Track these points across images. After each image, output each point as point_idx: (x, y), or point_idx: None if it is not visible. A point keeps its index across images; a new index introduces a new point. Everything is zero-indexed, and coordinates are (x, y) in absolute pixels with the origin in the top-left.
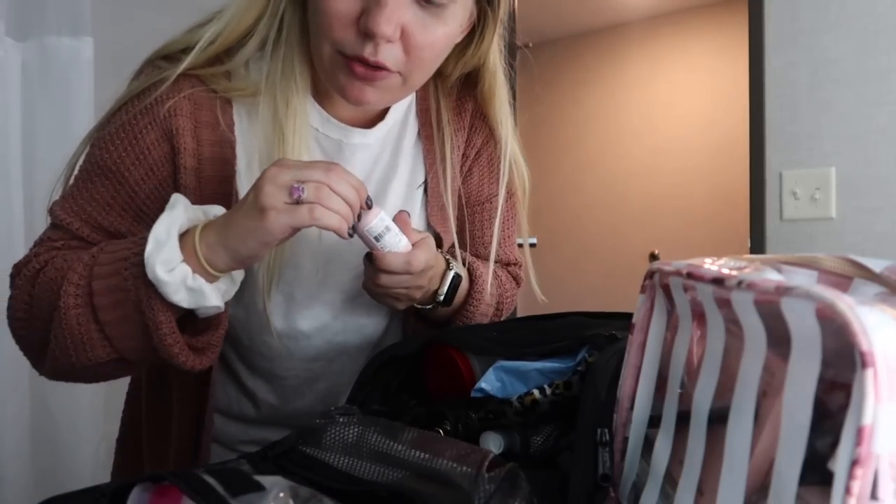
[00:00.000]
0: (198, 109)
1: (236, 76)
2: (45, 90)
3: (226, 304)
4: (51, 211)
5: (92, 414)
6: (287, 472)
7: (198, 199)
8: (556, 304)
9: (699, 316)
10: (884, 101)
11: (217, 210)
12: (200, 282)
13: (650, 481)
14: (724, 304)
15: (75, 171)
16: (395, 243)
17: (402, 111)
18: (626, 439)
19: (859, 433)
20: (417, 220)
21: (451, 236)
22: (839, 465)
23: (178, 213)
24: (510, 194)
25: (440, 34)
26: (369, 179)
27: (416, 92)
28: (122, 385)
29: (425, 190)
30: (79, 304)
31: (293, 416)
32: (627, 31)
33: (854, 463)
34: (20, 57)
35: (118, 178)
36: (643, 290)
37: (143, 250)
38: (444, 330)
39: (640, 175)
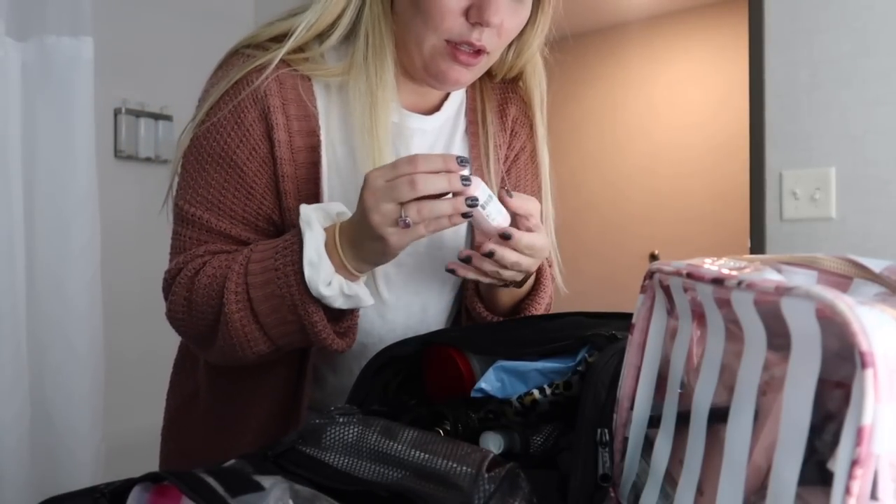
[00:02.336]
0: (283, 88)
1: (315, 61)
2: (45, 90)
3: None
4: (177, 207)
5: (92, 414)
6: (287, 472)
7: (291, 167)
8: (556, 303)
9: (699, 316)
10: (884, 101)
11: (337, 207)
12: (356, 288)
13: (650, 481)
14: (724, 304)
15: (178, 167)
16: (499, 211)
17: (455, 107)
18: (626, 439)
19: (859, 433)
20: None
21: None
22: (839, 465)
23: (318, 231)
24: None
25: (523, 17)
26: None
27: (466, 91)
28: (122, 385)
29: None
30: (240, 308)
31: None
32: (627, 31)
33: (854, 463)
34: (20, 57)
35: (229, 162)
36: (643, 290)
37: (291, 261)
38: (444, 330)
39: (639, 175)
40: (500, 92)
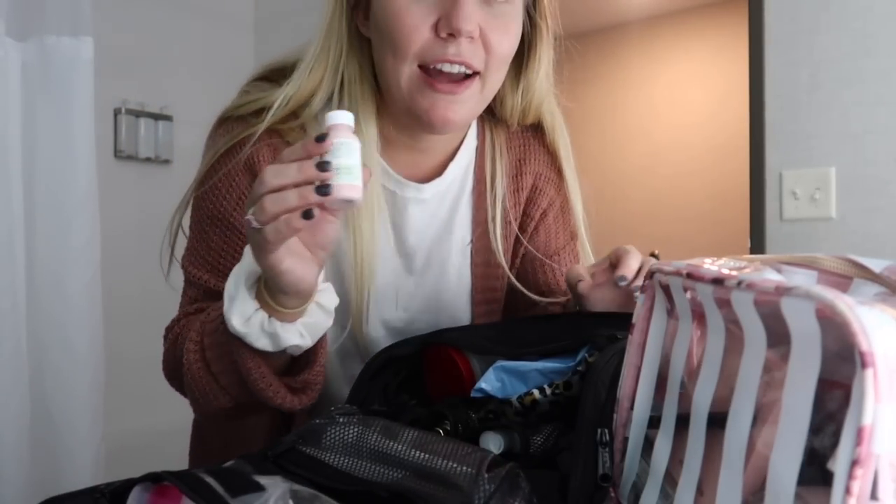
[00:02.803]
0: (277, 154)
1: (310, 128)
2: (45, 90)
3: (322, 340)
4: (183, 268)
5: (92, 414)
6: (287, 472)
7: None
8: None
9: (699, 316)
10: (884, 101)
11: None
12: (275, 325)
13: (650, 481)
14: (724, 305)
15: (177, 227)
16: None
17: (462, 167)
18: (626, 439)
19: (859, 433)
20: (464, 277)
21: (501, 293)
22: (839, 465)
23: (245, 264)
24: (573, 237)
25: (511, 33)
26: (425, 234)
27: (476, 146)
28: (122, 385)
29: (472, 248)
30: (197, 359)
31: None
32: (627, 31)
33: (854, 463)
34: (20, 57)
35: (226, 224)
36: (643, 290)
37: None
38: (443, 330)
39: (639, 175)
40: (519, 144)
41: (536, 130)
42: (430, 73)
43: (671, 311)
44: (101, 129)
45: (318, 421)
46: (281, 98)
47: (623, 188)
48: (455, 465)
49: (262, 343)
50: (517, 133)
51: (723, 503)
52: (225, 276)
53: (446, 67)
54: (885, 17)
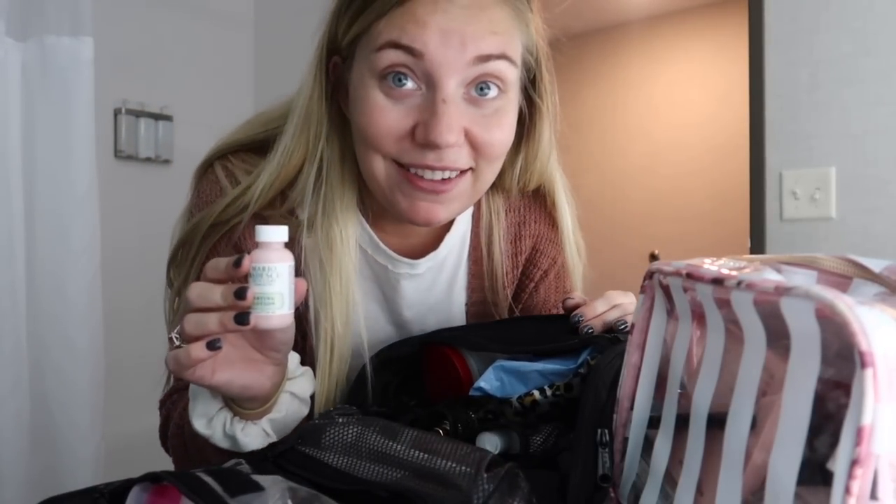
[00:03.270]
0: None
1: (299, 209)
2: (45, 90)
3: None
4: (169, 339)
5: (92, 414)
6: (286, 472)
7: None
8: None
9: (699, 316)
10: (884, 101)
11: None
12: (235, 428)
13: (650, 481)
14: (724, 305)
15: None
16: (282, 303)
17: (459, 237)
18: (625, 439)
19: (859, 433)
20: None
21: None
22: (839, 464)
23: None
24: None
25: (505, 125)
26: (422, 306)
27: (473, 214)
28: (122, 385)
29: (467, 310)
30: (180, 443)
31: None
32: (627, 31)
33: (854, 463)
34: (20, 57)
35: None
36: (643, 290)
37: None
38: (442, 330)
39: (639, 175)
40: (518, 206)
41: (537, 192)
42: (408, 167)
43: (671, 312)
44: (101, 129)
45: (317, 421)
46: (262, 188)
47: (623, 188)
48: (454, 465)
49: (225, 445)
50: (517, 196)
51: (723, 503)
52: None
53: (427, 174)
54: (885, 16)
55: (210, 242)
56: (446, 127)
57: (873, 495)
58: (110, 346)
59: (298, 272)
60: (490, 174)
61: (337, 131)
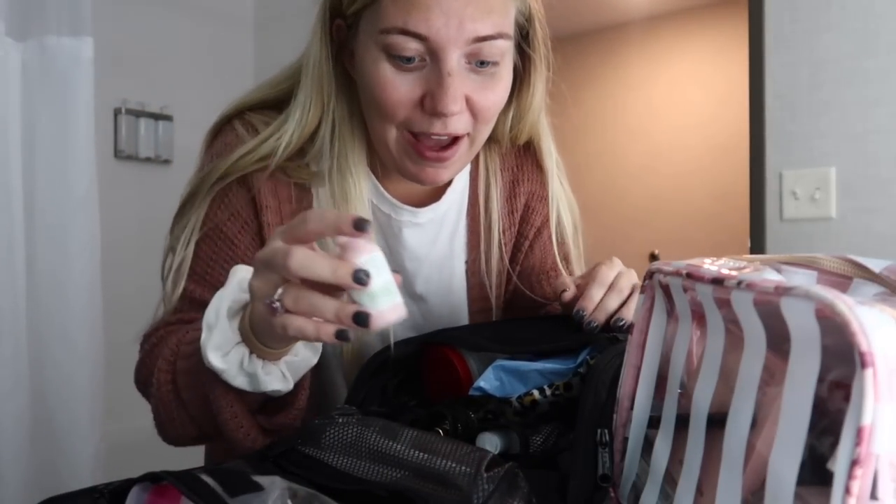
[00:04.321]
0: (280, 189)
1: (315, 164)
2: (45, 90)
3: (304, 380)
4: (164, 278)
5: (92, 414)
6: (286, 472)
7: None
8: None
9: (699, 316)
10: (884, 101)
11: None
12: (256, 365)
13: (650, 481)
14: (724, 305)
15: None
16: (392, 303)
17: (458, 192)
18: (625, 439)
19: (859, 433)
20: (460, 297)
21: (492, 314)
22: (839, 465)
23: (229, 291)
24: (567, 253)
25: (500, 90)
26: (427, 257)
27: (470, 171)
28: (122, 385)
29: (468, 269)
30: (167, 380)
31: None
32: (627, 31)
33: (854, 463)
34: (20, 57)
35: (218, 234)
36: (643, 290)
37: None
38: (442, 330)
39: (639, 175)
40: (512, 165)
41: (528, 149)
42: (416, 135)
43: (671, 312)
44: (101, 129)
45: (317, 421)
46: (285, 143)
47: (623, 188)
48: (454, 465)
49: (239, 382)
50: (510, 153)
51: (723, 503)
52: (211, 287)
53: (433, 139)
54: (885, 16)
55: (221, 185)
56: (452, 98)
57: (873, 495)
58: (110, 345)
59: None
60: (484, 134)
61: (344, 91)
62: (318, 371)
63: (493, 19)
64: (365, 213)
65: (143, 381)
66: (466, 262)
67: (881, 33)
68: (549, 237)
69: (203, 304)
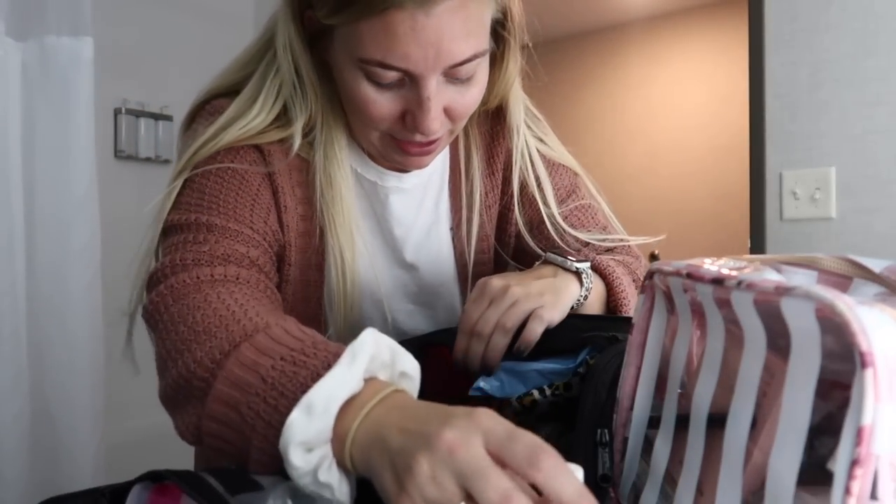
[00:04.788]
0: (284, 155)
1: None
2: (45, 90)
3: None
4: (167, 223)
5: (92, 415)
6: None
7: (292, 201)
8: None
9: (699, 316)
10: (884, 101)
11: (405, 365)
12: (334, 478)
13: (650, 481)
14: (724, 305)
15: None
16: None
17: (441, 158)
18: (625, 440)
19: (859, 433)
20: (448, 264)
21: (468, 281)
22: (839, 465)
23: (357, 372)
24: (570, 189)
25: (476, 92)
26: (414, 224)
27: (449, 145)
28: (122, 385)
29: (454, 234)
30: (209, 371)
31: None
32: (627, 31)
33: (854, 463)
34: (20, 57)
35: (230, 173)
36: (643, 290)
37: (286, 388)
38: (443, 330)
39: (639, 175)
40: (488, 129)
41: (501, 110)
42: (398, 139)
43: (671, 312)
44: (101, 129)
45: None
46: (300, 129)
47: (623, 188)
48: None
49: (306, 482)
50: (485, 117)
51: (723, 503)
52: (231, 215)
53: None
54: (885, 16)
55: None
56: (432, 120)
57: (873, 495)
58: (110, 345)
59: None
60: (461, 126)
61: (323, 75)
62: None
63: (469, 41)
64: (350, 196)
65: (158, 316)
66: (451, 229)
67: (881, 33)
68: (538, 186)
69: (226, 230)
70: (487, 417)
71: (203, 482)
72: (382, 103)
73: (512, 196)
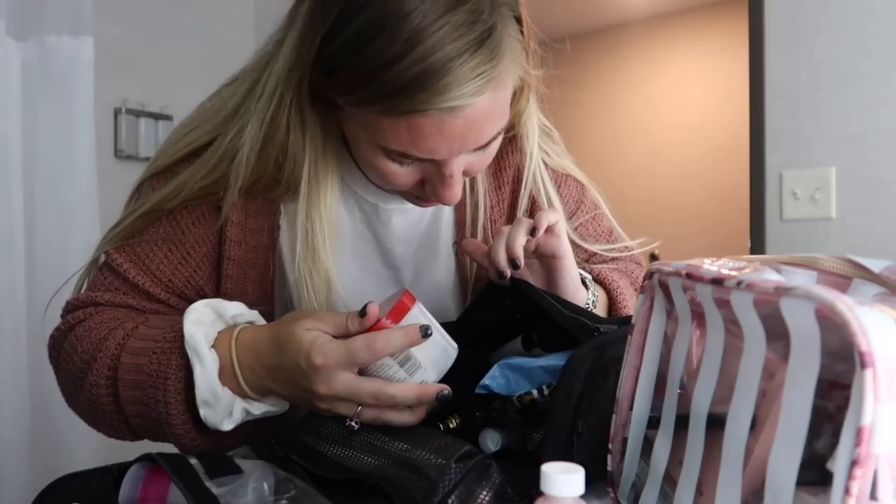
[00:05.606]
0: (248, 203)
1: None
2: (45, 90)
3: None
4: (105, 252)
5: None
6: (287, 459)
7: (240, 250)
8: None
9: (699, 316)
10: (884, 101)
11: (234, 308)
12: (263, 407)
13: (650, 481)
14: (724, 305)
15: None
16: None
17: None
18: (625, 440)
19: (859, 433)
20: (451, 278)
21: (467, 295)
22: (838, 465)
23: (210, 363)
24: (579, 200)
25: (493, 149)
26: (412, 242)
27: None
28: None
29: (456, 251)
30: (106, 385)
31: None
32: (627, 31)
33: (853, 463)
34: (20, 57)
35: (170, 221)
36: (642, 290)
37: (167, 380)
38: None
39: (639, 175)
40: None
41: (511, 128)
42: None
43: (671, 312)
44: (101, 129)
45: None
46: (241, 172)
47: (623, 188)
48: (431, 456)
49: (227, 424)
50: None
51: (722, 503)
52: (150, 273)
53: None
54: (885, 16)
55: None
56: (453, 194)
57: (873, 495)
58: None
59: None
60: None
61: (316, 122)
62: None
63: (493, 123)
64: (335, 237)
65: (57, 353)
66: (455, 243)
67: (881, 33)
68: (547, 200)
69: (137, 287)
70: (320, 356)
71: (186, 464)
72: (403, 174)
73: (524, 210)
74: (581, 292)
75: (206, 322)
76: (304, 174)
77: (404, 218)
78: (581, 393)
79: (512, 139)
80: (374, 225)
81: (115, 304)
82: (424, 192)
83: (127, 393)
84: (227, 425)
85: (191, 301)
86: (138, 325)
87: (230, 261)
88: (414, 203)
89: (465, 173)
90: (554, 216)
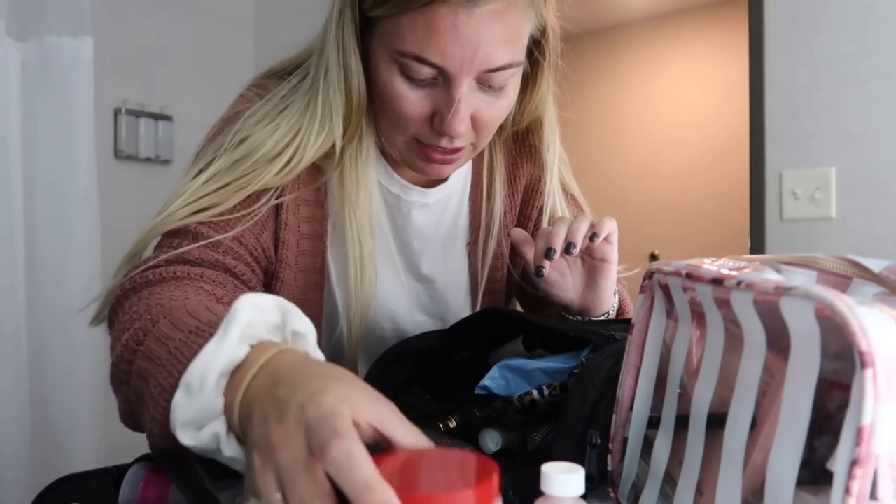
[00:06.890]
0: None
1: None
2: (45, 90)
3: None
4: (184, 225)
5: (92, 415)
6: None
7: (294, 218)
8: None
9: (699, 316)
10: (884, 101)
11: (297, 324)
12: (231, 448)
13: (650, 481)
14: (724, 305)
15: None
16: None
17: (462, 173)
18: (625, 440)
19: (859, 433)
20: (461, 276)
21: (501, 296)
22: (838, 465)
23: (229, 345)
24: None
25: (504, 106)
26: (433, 238)
27: (472, 161)
28: None
29: (470, 251)
30: (129, 355)
31: None
32: (627, 31)
33: (853, 463)
34: (20, 57)
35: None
36: (642, 290)
37: (173, 362)
38: (412, 338)
39: (639, 175)
40: (512, 148)
41: (528, 132)
42: (423, 145)
43: (671, 312)
44: (101, 129)
45: None
46: (340, 137)
47: (623, 188)
48: None
49: (207, 454)
50: (513, 138)
51: (722, 503)
52: (215, 226)
53: (439, 148)
54: (885, 16)
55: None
56: (459, 121)
57: (873, 495)
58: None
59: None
60: (486, 141)
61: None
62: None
63: (507, 49)
64: (375, 199)
65: (113, 311)
66: (468, 245)
67: (881, 33)
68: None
69: (207, 240)
70: (329, 397)
71: (187, 467)
72: (413, 101)
73: (528, 219)
74: (612, 298)
75: (266, 321)
76: (349, 139)
77: (424, 213)
78: (596, 401)
79: (528, 147)
80: (395, 216)
81: (184, 260)
82: (432, 132)
83: (142, 363)
84: (183, 436)
85: (259, 261)
86: (190, 300)
87: (287, 226)
88: (421, 167)
89: (473, 120)
90: (613, 225)
